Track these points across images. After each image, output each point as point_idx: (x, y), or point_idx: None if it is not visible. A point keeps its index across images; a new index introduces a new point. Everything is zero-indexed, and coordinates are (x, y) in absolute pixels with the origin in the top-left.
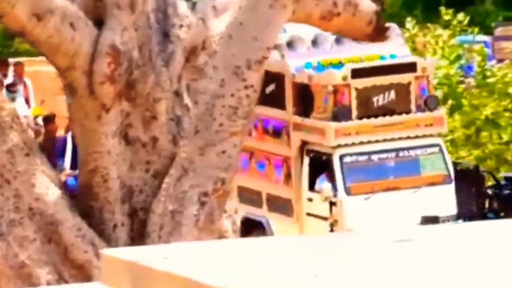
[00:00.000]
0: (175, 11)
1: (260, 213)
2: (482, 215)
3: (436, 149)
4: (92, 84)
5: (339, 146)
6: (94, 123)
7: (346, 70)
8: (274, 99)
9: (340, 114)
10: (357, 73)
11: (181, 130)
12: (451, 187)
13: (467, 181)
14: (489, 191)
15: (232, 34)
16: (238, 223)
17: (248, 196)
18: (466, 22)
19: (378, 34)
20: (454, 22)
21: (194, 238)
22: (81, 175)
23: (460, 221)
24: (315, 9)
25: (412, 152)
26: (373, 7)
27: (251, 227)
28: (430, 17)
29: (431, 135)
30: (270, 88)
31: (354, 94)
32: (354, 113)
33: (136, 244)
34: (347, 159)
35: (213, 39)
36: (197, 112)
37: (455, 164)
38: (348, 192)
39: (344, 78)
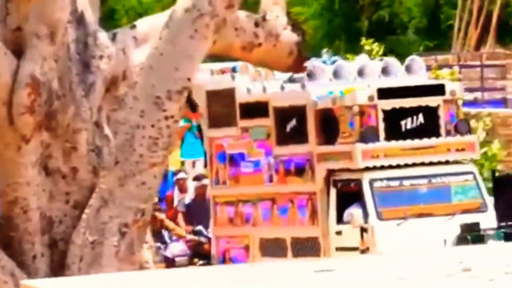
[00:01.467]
0: (95, 41)
1: None
2: None
3: (470, 176)
4: (12, 115)
5: (367, 169)
6: (14, 153)
7: (372, 90)
8: (295, 135)
9: (367, 135)
10: (384, 94)
11: (101, 161)
12: (487, 215)
13: (507, 189)
14: None
15: (152, 64)
16: None
17: (271, 247)
18: (381, 52)
19: (299, 65)
20: (374, 53)
21: (115, 269)
22: (2, 205)
23: (502, 231)
24: (236, 40)
25: (445, 179)
26: (294, 37)
27: None
28: (353, 48)
29: (463, 162)
30: (291, 124)
31: (381, 115)
32: (382, 135)
33: (56, 275)
34: (378, 184)
35: (134, 69)
36: (117, 143)
37: (493, 172)
38: (379, 217)
39: (371, 98)
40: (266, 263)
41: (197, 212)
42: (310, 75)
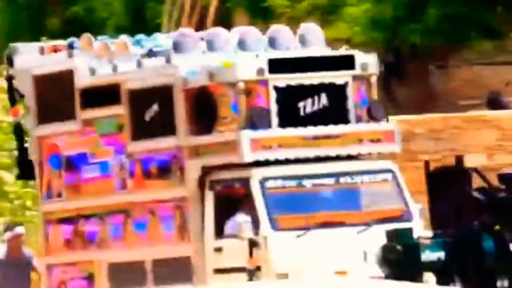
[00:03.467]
0: None
1: None
2: (469, 231)
3: (389, 175)
4: None
5: (258, 164)
6: None
7: (262, 61)
8: (158, 125)
9: (256, 120)
10: (276, 67)
11: None
12: (412, 225)
13: (446, 184)
14: (478, 196)
15: None
16: None
17: (125, 275)
18: None
19: None
20: None
21: None
22: None
23: (440, 240)
24: None
25: (357, 179)
26: None
27: None
28: None
29: (379, 156)
30: (152, 111)
31: (273, 95)
32: (275, 120)
33: None
34: (271, 184)
35: None
36: None
37: (426, 164)
38: (275, 226)
39: (260, 72)
40: None
41: (13, 272)
42: (178, 47)
